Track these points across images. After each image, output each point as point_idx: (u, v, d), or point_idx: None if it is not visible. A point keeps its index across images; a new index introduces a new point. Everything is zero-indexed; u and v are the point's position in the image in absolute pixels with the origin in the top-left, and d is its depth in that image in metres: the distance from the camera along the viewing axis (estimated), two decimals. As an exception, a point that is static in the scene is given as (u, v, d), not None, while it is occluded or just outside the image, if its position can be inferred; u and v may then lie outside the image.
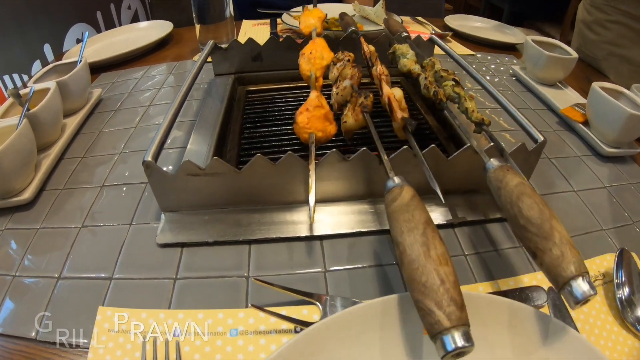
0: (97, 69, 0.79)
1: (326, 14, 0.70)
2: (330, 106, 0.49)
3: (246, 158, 0.50)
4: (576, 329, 0.33)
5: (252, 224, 0.42)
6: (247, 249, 0.41)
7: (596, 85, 0.57)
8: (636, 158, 0.57)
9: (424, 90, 0.50)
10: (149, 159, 0.38)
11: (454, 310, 0.24)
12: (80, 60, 0.65)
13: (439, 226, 0.43)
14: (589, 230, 0.45)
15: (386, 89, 0.47)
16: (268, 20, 1.04)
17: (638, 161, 0.57)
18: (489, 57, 0.88)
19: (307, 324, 0.33)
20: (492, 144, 0.41)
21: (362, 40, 0.59)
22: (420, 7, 1.32)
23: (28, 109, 0.49)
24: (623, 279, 0.37)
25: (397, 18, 0.95)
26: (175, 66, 0.81)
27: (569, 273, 0.27)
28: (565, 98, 0.69)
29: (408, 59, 0.56)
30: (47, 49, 1.09)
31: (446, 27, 1.01)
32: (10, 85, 0.97)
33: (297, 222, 0.43)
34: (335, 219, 0.43)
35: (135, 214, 0.45)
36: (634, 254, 0.39)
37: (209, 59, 0.66)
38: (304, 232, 0.42)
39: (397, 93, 0.48)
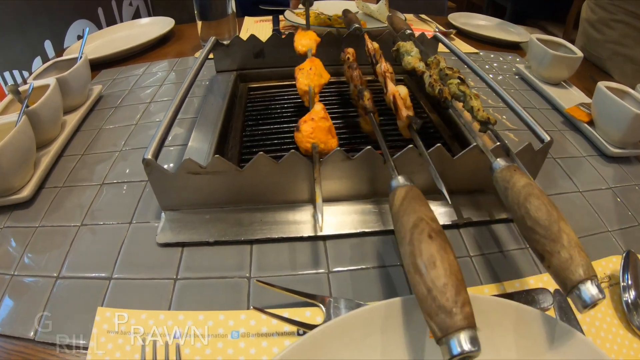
0: (98, 65, 0.79)
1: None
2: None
3: (248, 156, 0.50)
4: (582, 332, 0.33)
5: (254, 224, 0.42)
6: (249, 249, 0.40)
7: (602, 84, 0.56)
8: (642, 159, 0.57)
9: (429, 88, 0.49)
10: (149, 156, 0.38)
11: (460, 312, 0.24)
12: (81, 57, 0.64)
13: (444, 227, 0.42)
14: (594, 231, 0.44)
15: (391, 87, 0.47)
16: (270, 17, 1.04)
17: (644, 162, 0.56)
18: (492, 56, 0.88)
19: (310, 327, 0.32)
20: (497, 143, 0.41)
21: (367, 37, 0.59)
22: (423, 4, 1.31)
23: (27, 106, 0.49)
24: (629, 281, 0.37)
25: (401, 15, 0.94)
26: (177, 63, 0.81)
27: (578, 276, 0.26)
28: (570, 97, 0.69)
29: (412, 57, 0.56)
30: (48, 45, 1.09)
31: (449, 25, 1.00)
32: (10, 82, 0.97)
33: (299, 222, 0.42)
34: (338, 218, 0.43)
35: (135, 213, 0.45)
36: (640, 257, 0.38)
37: (211, 56, 0.65)
38: (306, 232, 0.41)
39: (402, 91, 0.47)
